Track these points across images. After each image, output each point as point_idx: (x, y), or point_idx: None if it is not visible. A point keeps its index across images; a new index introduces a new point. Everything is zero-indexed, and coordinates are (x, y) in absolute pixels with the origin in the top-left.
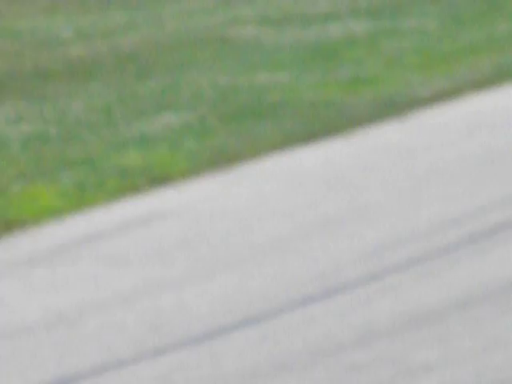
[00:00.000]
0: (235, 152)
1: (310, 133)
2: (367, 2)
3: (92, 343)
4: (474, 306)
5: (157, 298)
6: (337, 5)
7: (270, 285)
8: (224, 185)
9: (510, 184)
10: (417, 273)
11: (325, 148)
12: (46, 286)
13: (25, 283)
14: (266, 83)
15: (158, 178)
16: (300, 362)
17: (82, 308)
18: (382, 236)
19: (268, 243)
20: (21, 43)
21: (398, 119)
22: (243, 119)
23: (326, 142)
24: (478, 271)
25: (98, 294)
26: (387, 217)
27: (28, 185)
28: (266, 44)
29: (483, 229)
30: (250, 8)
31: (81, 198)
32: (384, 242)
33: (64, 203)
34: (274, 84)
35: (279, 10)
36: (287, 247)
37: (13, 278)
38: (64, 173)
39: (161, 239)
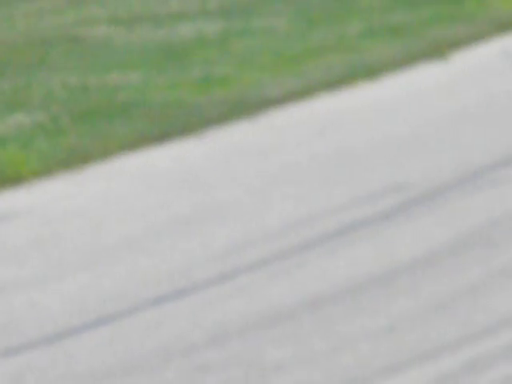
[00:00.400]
0: (87, 152)
1: (162, 133)
2: (218, 2)
3: None
4: (324, 305)
5: (8, 297)
6: (187, 5)
7: (122, 284)
8: (76, 185)
9: (359, 184)
10: (268, 272)
11: (177, 148)
12: None
13: None
14: (117, 83)
15: (10, 178)
16: (152, 361)
17: None
18: (234, 236)
19: (120, 243)
20: None
21: (249, 119)
22: (95, 119)
23: (178, 142)
24: (328, 271)
25: None
26: (239, 216)
27: None
28: (117, 44)
29: (334, 229)
30: (100, 8)
31: None
32: (236, 241)
33: None
34: (126, 84)
35: (130, 10)
36: (139, 247)
37: None
38: None
39: (12, 239)
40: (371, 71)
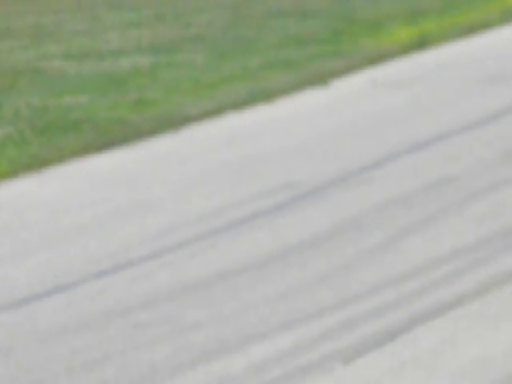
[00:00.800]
0: (46, 158)
1: (105, 143)
2: (149, 41)
3: None
4: (232, 277)
5: None
6: (125, 43)
7: (74, 261)
8: (38, 183)
9: (259, 183)
10: (188, 251)
11: (117, 155)
12: None
13: None
14: (70, 104)
15: None
16: (97, 321)
17: None
18: (162, 223)
19: (72, 229)
20: None
21: (174, 133)
22: (52, 132)
23: (117, 151)
24: (235, 250)
25: None
26: (165, 209)
27: None
28: (70, 74)
29: (239, 218)
30: (57, 46)
31: None
32: (163, 228)
33: None
34: (77, 105)
35: (80, 48)
36: (87, 232)
37: None
38: None
39: None
40: (269, 95)
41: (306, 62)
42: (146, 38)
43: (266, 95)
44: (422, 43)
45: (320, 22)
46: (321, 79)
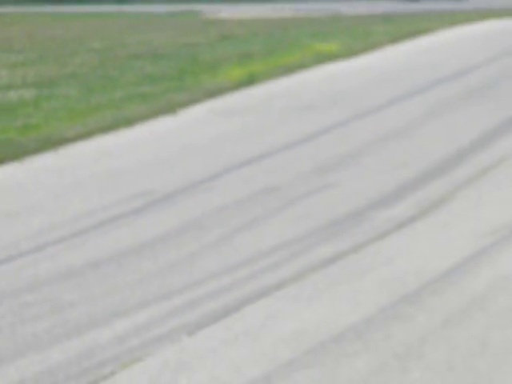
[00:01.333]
0: None
1: None
2: (33, 78)
3: None
4: (102, 266)
5: None
6: (14, 79)
7: None
8: None
9: (123, 190)
10: (66, 245)
11: (8, 168)
12: None
13: None
14: None
15: None
16: None
17: None
18: (44, 223)
19: None
20: None
21: (53, 151)
22: None
23: (8, 165)
24: (103, 244)
25: None
26: (47, 211)
27: None
28: None
29: (106, 218)
30: None
31: None
32: (45, 226)
33: None
34: None
35: None
36: None
37: None
38: None
39: None
40: (129, 122)
41: (159, 95)
42: (30, 76)
43: (127, 121)
44: (250, 80)
45: (169, 63)
46: (170, 109)
